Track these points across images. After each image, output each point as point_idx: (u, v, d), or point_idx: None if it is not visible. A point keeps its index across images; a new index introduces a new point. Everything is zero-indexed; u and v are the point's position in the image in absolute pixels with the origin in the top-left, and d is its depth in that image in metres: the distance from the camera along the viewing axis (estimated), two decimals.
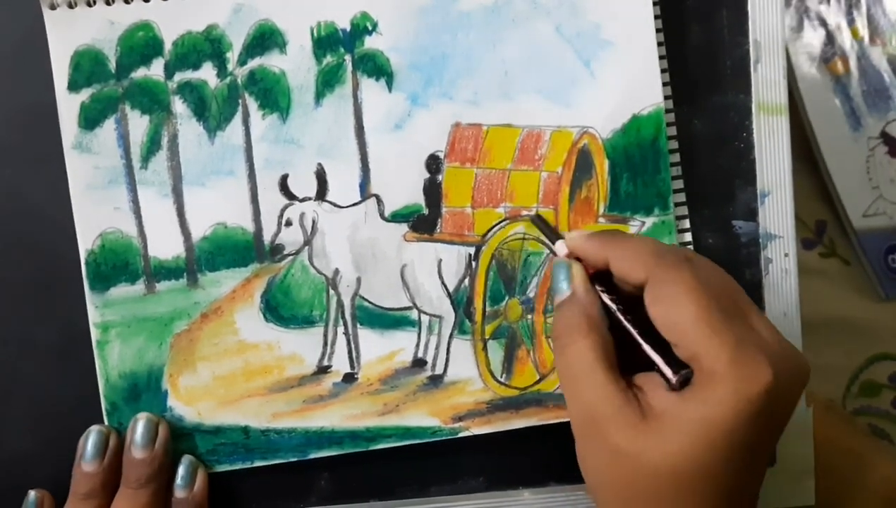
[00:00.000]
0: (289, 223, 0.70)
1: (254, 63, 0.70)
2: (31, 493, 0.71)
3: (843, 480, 0.82)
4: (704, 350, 0.57)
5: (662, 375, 0.59)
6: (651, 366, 0.60)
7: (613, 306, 0.63)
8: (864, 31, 1.05)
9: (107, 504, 0.69)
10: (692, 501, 0.57)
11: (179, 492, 0.70)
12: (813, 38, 1.04)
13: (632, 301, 0.63)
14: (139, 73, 0.69)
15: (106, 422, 0.70)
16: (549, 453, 0.75)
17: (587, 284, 0.64)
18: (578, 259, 0.65)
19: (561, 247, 0.67)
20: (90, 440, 0.69)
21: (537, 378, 0.72)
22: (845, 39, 1.05)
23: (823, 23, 1.04)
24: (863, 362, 1.01)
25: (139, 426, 0.69)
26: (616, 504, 0.60)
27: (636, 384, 0.60)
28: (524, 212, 0.72)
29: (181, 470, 0.70)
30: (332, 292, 0.71)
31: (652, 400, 0.58)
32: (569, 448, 0.72)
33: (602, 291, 0.64)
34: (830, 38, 1.04)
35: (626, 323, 0.62)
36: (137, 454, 0.68)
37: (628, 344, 0.62)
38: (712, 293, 0.59)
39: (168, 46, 0.69)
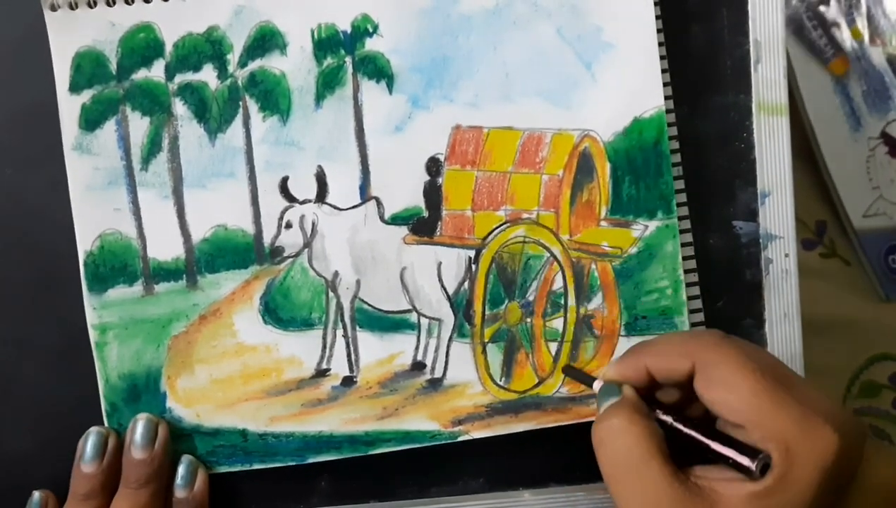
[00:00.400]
0: (289, 225, 0.70)
1: (254, 65, 0.70)
2: (36, 494, 0.71)
3: None
4: (774, 424, 0.56)
5: (736, 466, 0.58)
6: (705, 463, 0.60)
7: (665, 416, 0.63)
8: (864, 32, 1.05)
9: (106, 504, 0.69)
10: None
11: (180, 492, 0.70)
12: (813, 38, 1.04)
13: (677, 410, 0.63)
14: (140, 75, 0.69)
15: (106, 423, 0.70)
16: (549, 454, 0.75)
17: (635, 393, 0.64)
18: None
19: (597, 385, 0.67)
20: (89, 441, 0.69)
21: (536, 381, 0.72)
22: (845, 39, 1.05)
23: (823, 23, 1.04)
24: (863, 362, 1.01)
25: (139, 426, 0.69)
26: None
27: (696, 474, 0.59)
28: (524, 215, 0.71)
29: (181, 470, 0.70)
30: (331, 294, 0.71)
31: (720, 489, 0.57)
32: (568, 450, 0.73)
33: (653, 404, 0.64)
34: (831, 38, 1.04)
35: (682, 427, 0.62)
36: (137, 454, 0.68)
37: (679, 449, 0.61)
38: (762, 365, 0.58)
39: (169, 48, 0.69)
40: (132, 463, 0.69)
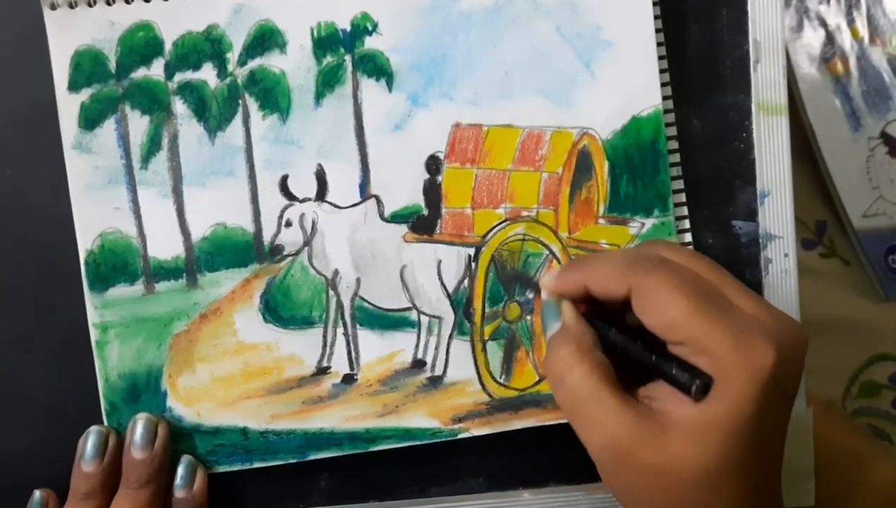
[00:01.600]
0: (288, 224, 0.70)
1: (254, 63, 0.70)
2: (37, 493, 0.71)
3: (843, 481, 0.82)
4: (709, 344, 0.57)
5: (679, 385, 0.59)
6: (653, 378, 0.61)
7: (612, 330, 0.63)
8: (864, 32, 1.05)
9: (106, 504, 0.69)
10: (730, 496, 0.58)
11: (179, 492, 0.70)
12: (813, 38, 1.04)
13: (625, 323, 0.63)
14: (139, 74, 0.69)
15: (105, 422, 0.70)
16: (549, 453, 0.75)
17: (577, 316, 0.65)
18: None
19: (544, 293, 0.67)
20: (89, 440, 0.69)
21: (537, 379, 0.72)
22: (845, 39, 1.05)
23: (823, 23, 1.04)
24: (863, 362, 1.01)
25: (139, 426, 0.69)
26: None
27: (644, 395, 0.60)
28: (524, 213, 0.72)
29: (181, 470, 0.70)
30: (331, 293, 0.71)
31: (668, 408, 0.59)
32: (568, 449, 0.73)
33: (596, 320, 0.64)
34: (830, 39, 1.04)
35: (624, 340, 0.63)
36: (137, 454, 0.68)
37: (628, 365, 0.62)
38: (696, 287, 0.59)
39: (168, 46, 0.69)
40: (132, 463, 0.69)
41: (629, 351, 0.62)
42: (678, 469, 0.57)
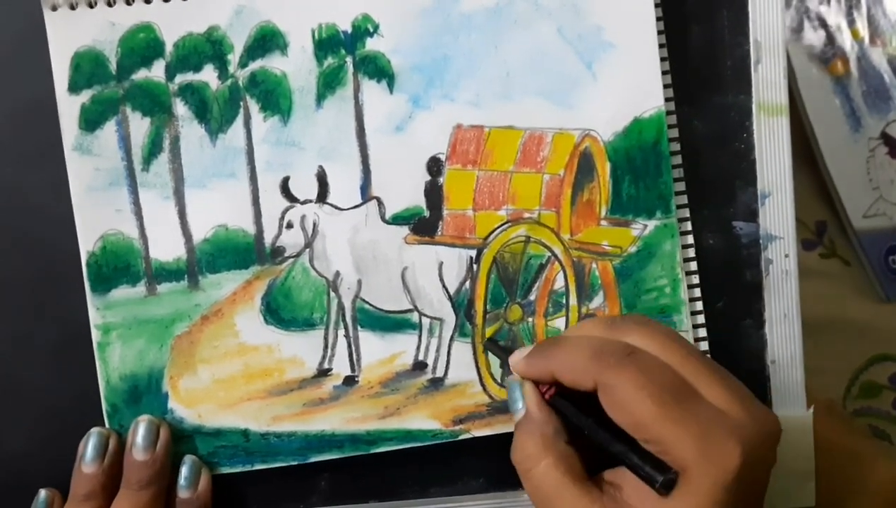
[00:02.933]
0: (290, 225, 0.70)
1: (255, 65, 0.70)
2: (42, 492, 0.71)
3: (843, 481, 0.82)
4: (674, 445, 0.57)
5: (644, 478, 0.59)
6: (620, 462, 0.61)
7: (579, 415, 0.63)
8: (864, 32, 1.05)
9: (106, 505, 0.69)
10: None
11: (183, 492, 0.70)
12: (813, 38, 1.04)
13: (593, 404, 0.63)
14: (140, 75, 0.69)
15: (107, 424, 0.70)
16: None
17: (540, 402, 0.65)
18: None
19: (511, 379, 0.68)
20: (90, 442, 0.69)
21: None
22: (845, 40, 1.05)
23: (823, 23, 1.04)
24: (863, 363, 1.01)
25: (141, 428, 0.69)
26: None
27: (609, 481, 0.61)
28: (526, 215, 0.72)
29: (185, 471, 0.70)
30: (332, 294, 0.71)
31: (633, 501, 0.59)
32: None
33: (564, 403, 0.65)
34: (831, 39, 1.04)
35: (596, 431, 0.62)
36: (139, 456, 0.68)
37: (595, 446, 0.62)
38: (662, 383, 0.59)
39: (169, 48, 0.69)
40: (133, 465, 0.69)
41: (595, 439, 0.62)
42: None
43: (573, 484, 0.60)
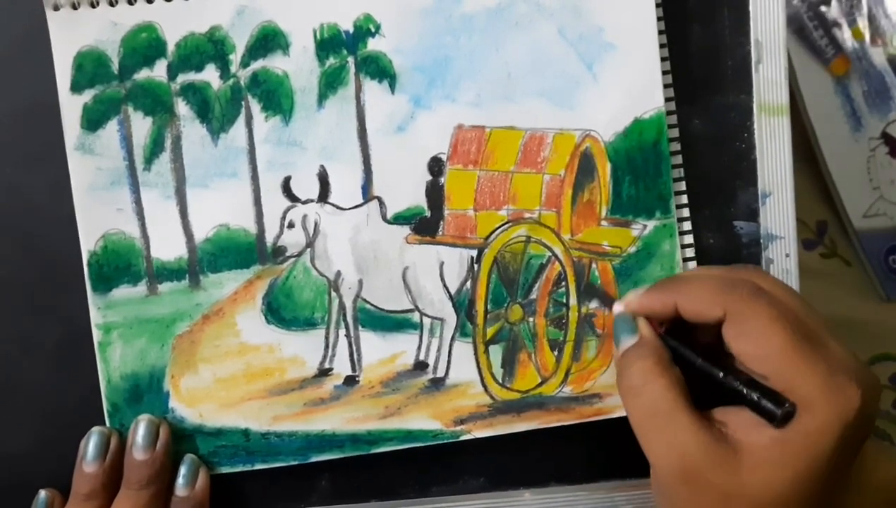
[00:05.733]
0: (291, 225, 0.70)
1: (257, 65, 0.70)
2: (42, 492, 0.71)
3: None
4: (800, 380, 0.58)
5: (760, 411, 0.59)
6: (729, 403, 0.61)
7: (689, 351, 0.64)
8: (865, 32, 1.05)
9: (107, 504, 0.69)
10: None
11: (181, 491, 0.70)
12: (814, 38, 1.04)
13: (701, 345, 0.64)
14: (142, 75, 0.69)
15: (108, 424, 0.70)
16: (550, 453, 0.75)
17: (654, 332, 0.65)
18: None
19: (617, 307, 0.67)
20: (91, 441, 0.69)
21: (539, 381, 0.72)
22: (846, 40, 1.05)
23: (824, 23, 1.04)
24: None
25: (140, 427, 0.69)
26: None
27: (717, 419, 0.61)
28: (526, 215, 0.72)
29: (183, 469, 0.70)
30: (333, 294, 0.71)
31: (741, 435, 0.59)
32: (569, 449, 0.73)
33: (676, 343, 0.65)
34: (831, 39, 1.04)
35: (707, 366, 0.62)
36: (139, 455, 0.69)
37: (696, 389, 0.62)
38: (794, 321, 0.60)
39: (171, 48, 0.69)
40: (133, 464, 0.69)
41: (711, 375, 0.62)
42: (749, 493, 0.58)
43: (685, 410, 0.60)
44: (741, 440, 0.59)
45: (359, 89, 0.70)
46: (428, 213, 0.71)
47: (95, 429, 0.69)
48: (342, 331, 0.71)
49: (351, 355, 0.71)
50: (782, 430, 0.58)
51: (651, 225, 0.72)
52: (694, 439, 0.59)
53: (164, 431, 0.70)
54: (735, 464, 0.58)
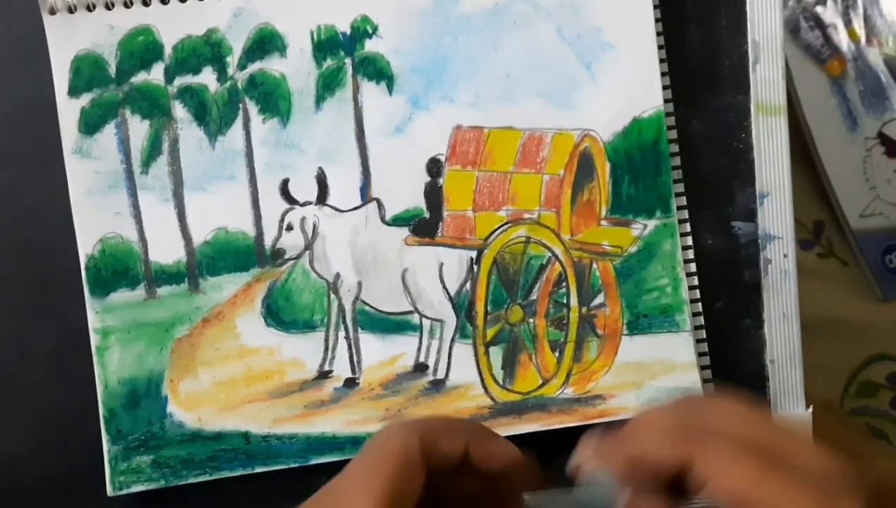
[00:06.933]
0: (290, 227, 0.70)
1: (254, 67, 0.70)
2: None
3: None
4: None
5: None
6: None
7: None
8: (860, 32, 1.05)
9: None
10: None
11: None
12: (810, 38, 1.04)
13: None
14: (139, 78, 0.69)
15: (104, 429, 0.70)
16: (549, 456, 0.74)
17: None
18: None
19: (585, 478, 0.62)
20: None
21: (540, 382, 0.72)
22: (842, 40, 1.05)
23: (820, 23, 1.04)
24: (861, 362, 1.01)
25: None
26: None
27: None
28: (526, 216, 0.72)
29: None
30: (332, 296, 0.71)
31: None
32: (568, 451, 0.72)
33: None
34: (827, 39, 1.04)
35: None
36: None
37: None
38: (756, 449, 0.56)
39: (168, 51, 0.69)
40: None
41: None
42: None
43: None
44: None
45: (356, 91, 0.70)
46: (427, 215, 0.71)
47: None
48: (342, 334, 0.71)
49: (351, 357, 0.71)
50: None
51: (651, 224, 0.72)
52: None
53: None
54: None
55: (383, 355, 0.72)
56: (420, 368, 0.72)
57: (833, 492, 0.54)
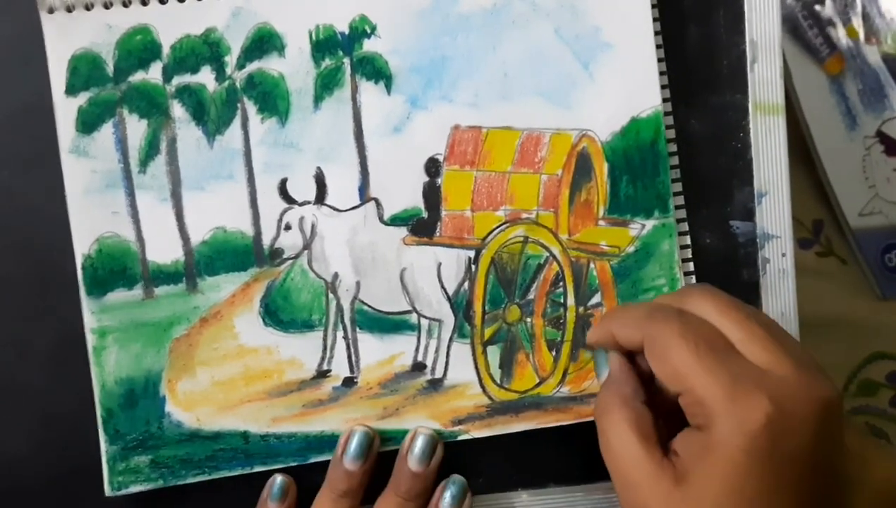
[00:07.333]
0: (288, 227, 0.70)
1: (252, 66, 0.70)
2: (279, 478, 0.71)
3: None
4: (703, 392, 0.57)
5: None
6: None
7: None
8: (859, 30, 1.05)
9: (358, 505, 0.71)
10: None
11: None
12: (808, 37, 1.04)
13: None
14: (137, 77, 0.69)
15: (101, 429, 0.70)
16: (548, 454, 0.75)
17: (621, 365, 0.65)
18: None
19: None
20: (356, 440, 0.70)
21: (537, 381, 0.72)
22: (841, 38, 1.05)
23: (819, 22, 1.04)
24: (860, 361, 1.01)
25: (419, 441, 0.71)
26: None
27: (674, 450, 0.60)
28: (524, 215, 0.72)
29: (452, 490, 0.72)
30: (331, 296, 0.71)
31: (686, 464, 0.58)
32: (567, 450, 0.73)
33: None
34: (826, 38, 1.04)
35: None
36: (414, 467, 0.70)
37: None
38: (702, 335, 0.60)
39: (166, 50, 0.69)
40: (408, 474, 0.70)
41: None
42: None
43: (639, 440, 0.60)
44: (685, 469, 0.58)
45: (355, 90, 0.70)
46: (425, 214, 0.71)
47: (359, 429, 0.71)
48: (340, 333, 0.71)
49: (349, 356, 0.71)
50: (701, 452, 0.57)
51: (649, 224, 0.72)
52: (638, 465, 0.59)
53: (440, 450, 0.71)
54: (672, 494, 0.58)
55: (381, 354, 0.72)
56: (418, 367, 0.72)
57: (750, 391, 0.57)
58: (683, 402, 0.59)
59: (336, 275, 0.71)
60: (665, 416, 0.62)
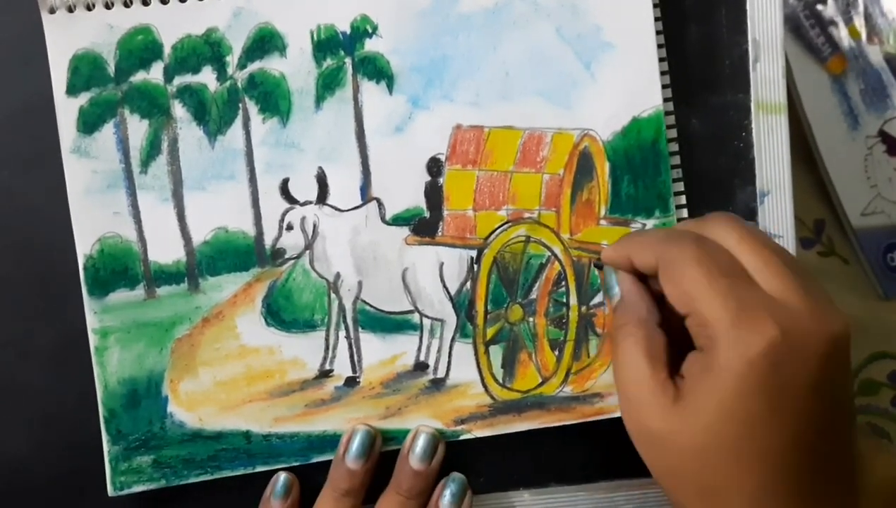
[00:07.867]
0: (290, 227, 0.70)
1: (254, 66, 0.69)
2: (283, 476, 0.72)
3: None
4: (710, 315, 0.57)
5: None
6: None
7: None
8: (861, 30, 1.05)
9: (360, 504, 0.71)
10: (729, 477, 0.58)
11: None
12: (810, 36, 1.04)
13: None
14: (138, 77, 0.69)
15: (104, 429, 0.70)
16: (550, 454, 0.75)
17: (633, 287, 0.65)
18: None
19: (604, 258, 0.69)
20: (358, 439, 0.70)
21: (539, 381, 0.72)
22: (843, 38, 1.05)
23: (821, 21, 1.04)
24: (862, 361, 1.01)
25: (421, 439, 0.71)
26: (666, 487, 0.61)
27: (681, 374, 0.60)
28: (526, 215, 0.72)
29: (452, 487, 0.72)
30: (333, 296, 0.71)
31: (687, 384, 0.59)
32: (568, 449, 0.73)
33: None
34: (828, 37, 1.04)
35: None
36: (416, 465, 0.71)
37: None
38: (717, 260, 0.59)
39: (167, 50, 0.69)
40: (410, 473, 0.71)
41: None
42: (675, 441, 0.58)
43: (646, 360, 0.60)
44: (687, 388, 0.59)
45: (356, 90, 0.70)
46: (427, 214, 0.71)
47: (361, 428, 0.71)
48: (342, 333, 0.71)
49: (351, 356, 0.71)
50: (701, 373, 0.58)
51: (650, 223, 0.72)
52: (642, 383, 0.60)
53: (442, 448, 0.71)
54: (670, 411, 0.58)
55: (384, 354, 0.72)
56: (420, 367, 0.72)
57: (756, 317, 0.57)
58: (690, 324, 0.59)
59: (338, 275, 0.71)
60: (679, 344, 0.62)
